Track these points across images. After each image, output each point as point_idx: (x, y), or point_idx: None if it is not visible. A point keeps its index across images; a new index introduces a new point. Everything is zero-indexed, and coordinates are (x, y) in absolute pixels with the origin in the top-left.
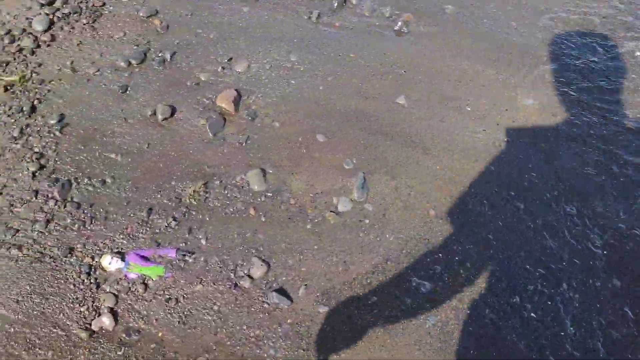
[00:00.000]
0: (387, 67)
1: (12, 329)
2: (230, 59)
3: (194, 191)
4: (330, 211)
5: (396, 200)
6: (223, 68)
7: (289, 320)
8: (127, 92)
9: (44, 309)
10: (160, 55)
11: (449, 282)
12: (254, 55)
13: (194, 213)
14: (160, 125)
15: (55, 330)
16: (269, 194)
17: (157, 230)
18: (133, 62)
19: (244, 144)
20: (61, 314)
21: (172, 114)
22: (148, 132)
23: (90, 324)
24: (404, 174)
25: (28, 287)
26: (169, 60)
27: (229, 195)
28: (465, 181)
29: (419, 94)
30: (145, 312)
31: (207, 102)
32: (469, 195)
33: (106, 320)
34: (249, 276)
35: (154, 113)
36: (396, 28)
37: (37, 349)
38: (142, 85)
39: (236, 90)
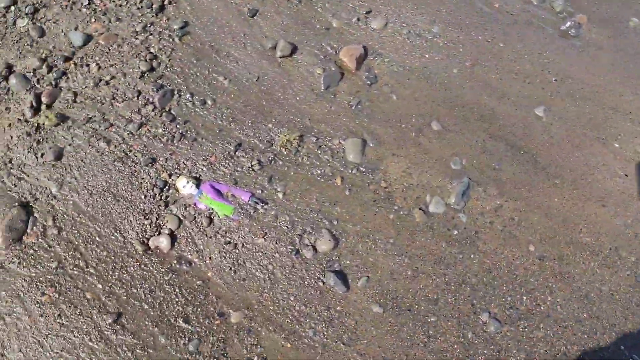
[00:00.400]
0: (537, 69)
1: (79, 219)
2: (369, 12)
3: (287, 140)
4: (420, 208)
5: (496, 220)
6: (358, 20)
7: (338, 308)
8: (255, 17)
9: (112, 209)
10: None
11: (524, 331)
12: (395, 14)
13: (280, 163)
14: (276, 61)
15: (115, 234)
16: (361, 168)
17: (239, 169)
18: None
19: (353, 107)
20: (125, 220)
21: (291, 53)
22: (262, 65)
23: (148, 240)
24: (515, 196)
25: (104, 184)
26: None
27: (320, 156)
28: (582, 225)
29: (563, 110)
30: (202, 247)
31: (330, 51)
32: (580, 244)
33: (164, 241)
34: (314, 247)
35: (274, 47)
36: (563, 27)
37: (94, 246)
38: (271, 15)
39: (364, 47)
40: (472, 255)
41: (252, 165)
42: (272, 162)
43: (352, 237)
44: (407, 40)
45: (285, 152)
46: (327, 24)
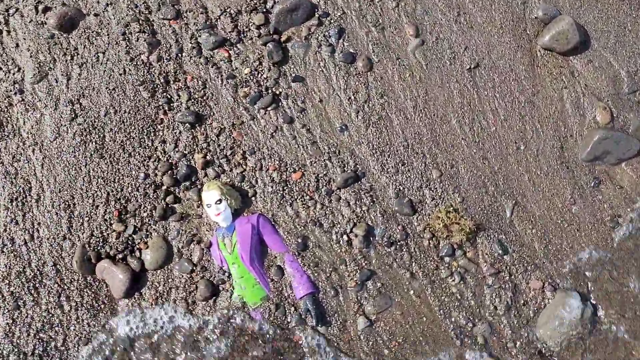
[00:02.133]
0: None
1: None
2: None
3: (444, 225)
4: None
5: None
6: None
7: None
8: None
9: (88, 165)
10: None
11: None
12: None
13: (405, 256)
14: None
15: (62, 213)
16: None
17: (332, 245)
18: None
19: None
20: (89, 198)
21: None
22: None
23: (100, 259)
24: None
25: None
26: None
27: (493, 291)
28: None
29: None
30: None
31: None
32: None
33: (121, 279)
34: None
35: None
36: None
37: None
38: None
39: None
40: None
41: (350, 236)
42: (394, 247)
43: None
44: None
45: (427, 244)
46: None
